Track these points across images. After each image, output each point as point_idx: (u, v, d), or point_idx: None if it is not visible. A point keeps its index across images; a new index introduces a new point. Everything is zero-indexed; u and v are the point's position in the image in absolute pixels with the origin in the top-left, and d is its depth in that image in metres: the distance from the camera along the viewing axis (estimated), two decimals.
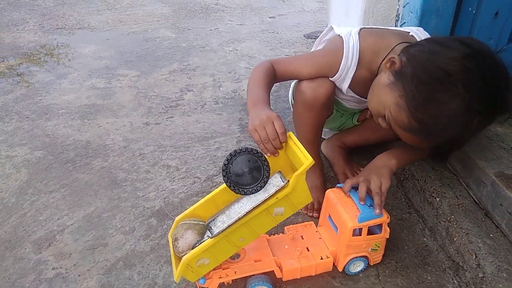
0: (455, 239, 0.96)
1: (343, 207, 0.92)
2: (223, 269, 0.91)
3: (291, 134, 0.87)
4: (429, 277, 0.97)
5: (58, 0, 3.33)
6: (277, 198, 0.80)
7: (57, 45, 2.47)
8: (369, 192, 0.94)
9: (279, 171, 0.84)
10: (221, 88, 1.92)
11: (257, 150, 0.79)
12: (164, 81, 2.00)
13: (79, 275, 1.00)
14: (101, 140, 1.54)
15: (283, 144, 0.86)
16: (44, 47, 2.44)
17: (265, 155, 0.80)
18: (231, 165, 0.79)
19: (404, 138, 0.91)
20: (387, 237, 0.94)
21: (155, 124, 1.64)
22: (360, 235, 0.91)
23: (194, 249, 0.83)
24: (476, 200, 1.02)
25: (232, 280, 0.92)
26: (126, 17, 2.94)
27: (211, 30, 2.69)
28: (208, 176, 1.33)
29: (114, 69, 2.15)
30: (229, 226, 0.80)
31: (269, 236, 1.01)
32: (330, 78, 1.05)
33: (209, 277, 0.89)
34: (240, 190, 0.80)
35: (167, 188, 1.29)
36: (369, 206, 0.91)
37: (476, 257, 0.89)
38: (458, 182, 1.07)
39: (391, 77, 0.89)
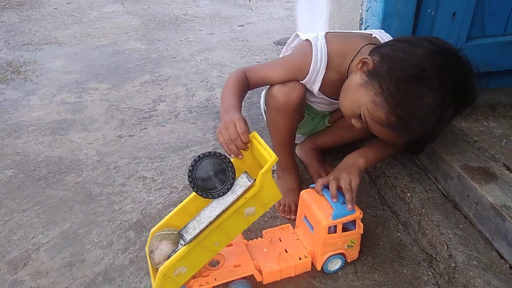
0: (427, 232, 1.00)
1: (317, 206, 0.95)
2: (203, 277, 0.91)
3: (255, 134, 0.88)
4: (405, 271, 1.00)
5: (23, 16, 3.26)
6: (245, 198, 0.81)
7: (24, 62, 2.42)
8: (340, 190, 0.97)
9: (245, 171, 0.85)
10: (194, 97, 1.93)
11: (220, 153, 0.80)
12: (136, 92, 1.99)
13: None
14: (74, 155, 1.52)
15: (249, 145, 0.88)
16: (10, 64, 2.39)
17: (229, 157, 0.82)
18: (196, 171, 0.79)
19: (380, 134, 0.94)
20: (362, 232, 0.97)
21: (128, 136, 1.63)
22: (336, 232, 0.93)
23: (170, 258, 0.83)
24: (444, 193, 1.06)
25: (213, 287, 0.93)
26: (94, 31, 2.91)
27: (181, 40, 2.69)
28: (185, 186, 1.33)
29: (84, 83, 2.12)
30: (201, 231, 0.80)
31: (248, 241, 1.02)
32: (300, 81, 1.08)
33: (190, 285, 0.89)
34: (208, 195, 0.80)
35: (144, 200, 1.28)
36: (342, 204, 0.94)
37: (447, 248, 0.93)
38: (427, 177, 1.11)
39: (364, 77, 0.92)
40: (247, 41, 2.64)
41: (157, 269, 0.85)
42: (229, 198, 0.81)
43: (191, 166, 0.79)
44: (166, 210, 1.23)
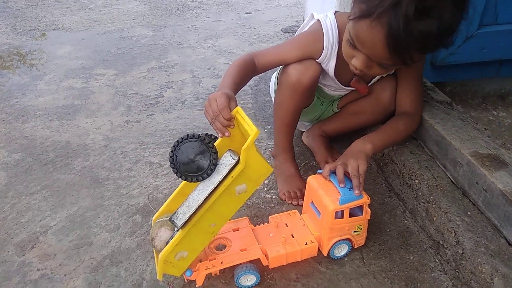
0: (434, 219, 0.99)
1: (324, 192, 0.94)
2: (209, 260, 0.91)
3: (238, 109, 0.86)
4: (411, 257, 1.00)
5: (30, 2, 3.25)
6: (232, 176, 0.78)
7: (31, 47, 2.42)
8: (348, 175, 0.96)
9: (229, 149, 0.82)
10: (201, 84, 1.92)
11: (199, 135, 0.77)
12: (143, 79, 1.99)
13: (65, 275, 1.00)
14: (81, 140, 1.52)
15: (234, 122, 0.85)
16: (17, 50, 2.39)
17: (208, 138, 0.79)
18: (176, 156, 0.77)
19: (365, 42, 0.88)
20: (369, 218, 0.97)
21: (135, 122, 1.63)
22: (342, 217, 0.93)
23: (167, 245, 0.83)
24: (453, 180, 1.05)
25: (219, 270, 0.93)
26: (101, 17, 2.90)
27: (188, 27, 2.67)
28: None
29: (91, 68, 2.12)
30: (191, 216, 0.79)
31: (254, 226, 1.02)
32: (316, 60, 1.08)
33: (196, 269, 0.90)
34: (192, 178, 0.78)
35: (150, 184, 1.28)
36: (349, 189, 0.93)
37: (455, 234, 0.92)
38: (435, 164, 1.10)
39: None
40: (255, 28, 2.62)
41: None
42: (215, 178, 0.79)
43: (171, 152, 0.77)
44: None
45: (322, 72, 1.13)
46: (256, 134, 0.76)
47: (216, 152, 0.78)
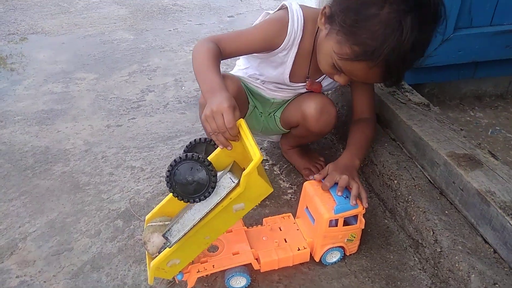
0: (413, 218, 1.01)
1: (320, 199, 0.94)
2: (201, 263, 0.91)
3: (242, 122, 0.83)
4: (391, 256, 1.02)
5: (9, 6, 3.19)
6: (230, 198, 0.78)
7: (11, 51, 2.38)
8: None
9: (230, 170, 0.80)
10: (183, 87, 1.92)
11: (198, 156, 0.74)
12: (124, 83, 1.97)
13: (44, 281, 0.98)
14: (61, 145, 1.50)
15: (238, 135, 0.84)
16: None
17: (205, 158, 0.75)
18: (173, 176, 0.74)
19: (359, 75, 0.93)
20: (363, 227, 0.97)
21: (116, 126, 1.61)
22: (337, 226, 0.93)
23: (160, 254, 0.82)
24: (431, 180, 1.07)
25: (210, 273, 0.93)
26: (81, 20, 2.86)
27: (170, 30, 2.66)
28: None
29: (71, 73, 2.09)
30: (185, 233, 0.79)
31: (247, 228, 1.02)
32: (278, 48, 1.05)
33: (187, 271, 0.90)
34: (189, 199, 0.76)
35: (132, 189, 1.27)
36: (345, 198, 0.94)
37: (433, 233, 0.94)
38: (413, 165, 1.12)
39: (327, 26, 0.94)
40: None
41: (152, 257, 0.86)
42: (213, 199, 0.77)
43: (168, 171, 0.74)
44: (155, 199, 1.22)
45: (266, 68, 1.11)
46: (260, 160, 0.75)
47: (215, 175, 0.75)
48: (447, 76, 1.53)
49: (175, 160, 0.74)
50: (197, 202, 0.77)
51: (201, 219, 0.78)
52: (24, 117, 1.69)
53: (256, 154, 0.76)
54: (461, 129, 1.10)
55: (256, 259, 0.94)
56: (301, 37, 1.05)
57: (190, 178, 0.74)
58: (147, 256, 0.89)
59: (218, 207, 0.78)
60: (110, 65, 2.17)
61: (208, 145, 0.86)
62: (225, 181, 0.77)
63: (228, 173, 0.78)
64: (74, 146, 1.49)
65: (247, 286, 0.94)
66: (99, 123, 1.64)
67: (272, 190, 0.84)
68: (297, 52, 1.07)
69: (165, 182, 0.74)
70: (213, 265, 0.91)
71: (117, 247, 1.07)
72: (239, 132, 0.83)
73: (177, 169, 0.74)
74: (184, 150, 0.80)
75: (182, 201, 0.76)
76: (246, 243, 0.96)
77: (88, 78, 2.03)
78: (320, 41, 0.98)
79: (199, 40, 1.00)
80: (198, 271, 0.90)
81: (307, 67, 1.10)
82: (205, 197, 0.76)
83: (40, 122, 1.65)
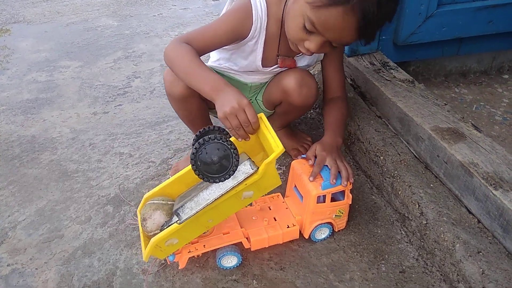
0: (399, 193, 1.03)
1: (307, 177, 0.95)
2: (192, 243, 0.92)
3: (262, 115, 0.88)
4: (379, 231, 1.04)
5: None
6: (246, 184, 0.82)
7: None
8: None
9: (249, 158, 0.84)
10: None
11: (226, 139, 0.78)
12: (109, 69, 1.95)
13: (36, 268, 0.98)
14: (47, 133, 1.49)
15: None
16: None
17: (234, 143, 0.79)
18: (200, 154, 0.77)
19: (335, 28, 0.88)
20: (350, 203, 0.98)
21: (103, 113, 1.60)
22: (324, 202, 0.95)
23: (162, 232, 0.83)
24: (416, 155, 1.09)
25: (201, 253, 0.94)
26: (63, 8, 2.82)
27: (154, 16, 2.63)
28: (163, 159, 1.32)
29: (55, 61, 2.06)
30: (197, 212, 0.81)
31: None
32: (246, 38, 1.04)
33: (178, 252, 0.91)
34: (210, 179, 0.79)
35: (121, 175, 1.27)
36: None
37: (419, 206, 0.96)
38: (399, 140, 1.14)
39: None
40: None
41: (148, 235, 0.86)
42: (229, 183, 0.81)
43: (195, 148, 0.76)
44: (144, 184, 1.22)
45: (238, 59, 1.11)
46: (281, 152, 0.80)
47: (238, 160, 0.79)
48: (431, 53, 1.54)
49: (203, 139, 0.76)
50: (216, 183, 0.80)
51: (215, 200, 0.81)
52: (9, 106, 1.67)
53: (278, 146, 0.80)
54: (445, 103, 1.11)
55: (247, 238, 0.95)
56: (267, 22, 1.03)
57: (216, 158, 0.77)
58: (142, 235, 0.89)
59: (232, 191, 0.81)
60: (95, 52, 2.14)
61: (220, 133, 0.86)
62: (245, 167, 0.82)
63: (248, 160, 0.83)
64: (61, 135, 1.48)
65: (238, 265, 0.95)
66: (86, 110, 1.63)
67: (281, 183, 0.89)
68: (265, 38, 1.06)
69: (190, 159, 0.77)
70: (204, 245, 0.92)
71: (108, 232, 1.07)
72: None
73: (204, 147, 0.76)
74: (196, 135, 0.82)
75: (201, 179, 0.79)
76: (236, 223, 0.97)
77: (72, 66, 2.01)
78: (289, 6, 0.95)
79: (168, 44, 1.00)
80: (189, 251, 0.91)
81: (276, 49, 1.08)
82: (225, 179, 0.79)
83: (26, 112, 1.63)
